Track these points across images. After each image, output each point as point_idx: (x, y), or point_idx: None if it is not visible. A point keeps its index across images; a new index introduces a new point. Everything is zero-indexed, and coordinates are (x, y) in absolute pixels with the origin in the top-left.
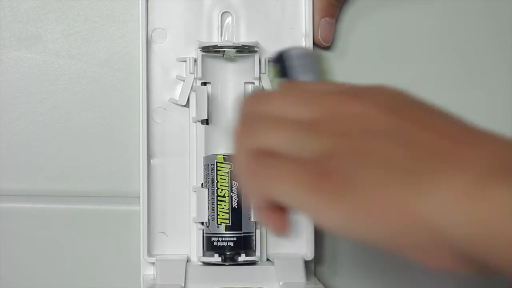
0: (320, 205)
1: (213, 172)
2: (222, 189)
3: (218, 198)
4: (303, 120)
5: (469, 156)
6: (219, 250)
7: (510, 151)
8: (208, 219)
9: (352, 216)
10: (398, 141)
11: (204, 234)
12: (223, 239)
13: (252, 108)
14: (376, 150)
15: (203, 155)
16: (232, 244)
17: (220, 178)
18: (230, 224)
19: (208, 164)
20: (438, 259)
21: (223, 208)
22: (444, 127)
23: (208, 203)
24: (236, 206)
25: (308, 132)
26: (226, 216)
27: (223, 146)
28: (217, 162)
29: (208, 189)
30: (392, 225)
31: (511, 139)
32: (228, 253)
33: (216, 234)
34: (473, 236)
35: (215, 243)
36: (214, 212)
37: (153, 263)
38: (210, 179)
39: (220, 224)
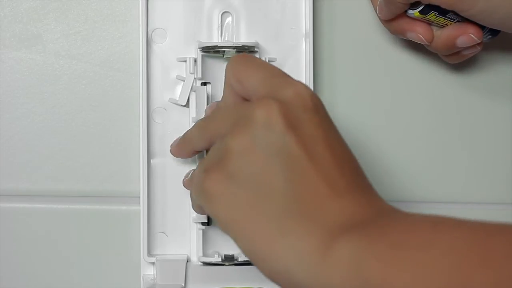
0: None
1: None
2: None
3: None
4: (218, 134)
5: (328, 211)
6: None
7: (363, 203)
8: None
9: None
10: (279, 170)
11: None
12: None
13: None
14: (256, 173)
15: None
16: None
17: None
18: None
19: None
20: (284, 286)
21: None
22: (330, 168)
23: None
24: None
25: (219, 141)
26: None
27: None
28: None
29: None
30: (254, 244)
31: (372, 192)
32: (228, 253)
33: None
34: (314, 284)
35: None
36: None
37: (153, 263)
38: None
39: None
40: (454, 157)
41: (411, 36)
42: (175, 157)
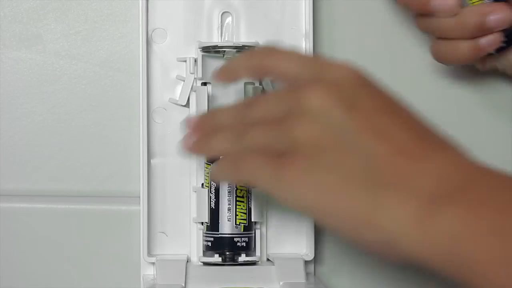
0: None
1: None
2: (241, 190)
3: (237, 198)
4: (274, 120)
5: (419, 178)
6: (241, 250)
7: (457, 169)
8: (225, 220)
9: (316, 199)
10: (352, 150)
11: (220, 235)
12: (242, 239)
13: (234, 116)
14: (333, 157)
15: None
16: (244, 244)
17: None
18: (247, 225)
19: None
20: (387, 255)
21: (242, 208)
22: (399, 138)
23: (229, 204)
24: (251, 207)
25: (276, 131)
26: (244, 216)
27: None
28: None
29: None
30: (350, 221)
31: (460, 152)
32: (228, 253)
33: (236, 234)
34: (420, 250)
35: (238, 244)
36: (231, 213)
37: (153, 263)
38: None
39: (239, 225)
40: None
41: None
42: (174, 157)
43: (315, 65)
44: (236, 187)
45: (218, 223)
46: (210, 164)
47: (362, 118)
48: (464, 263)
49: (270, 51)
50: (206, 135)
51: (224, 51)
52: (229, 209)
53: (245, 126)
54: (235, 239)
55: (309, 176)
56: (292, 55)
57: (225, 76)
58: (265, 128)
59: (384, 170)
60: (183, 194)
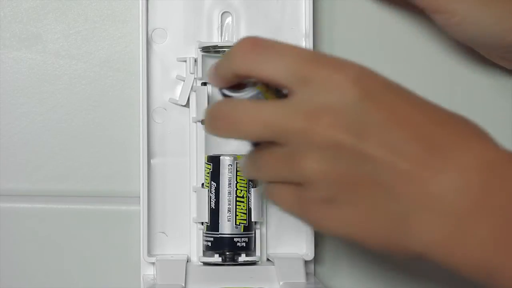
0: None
1: (230, 172)
2: (241, 190)
3: (237, 199)
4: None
5: (442, 193)
6: (241, 251)
7: (480, 170)
8: (223, 220)
9: (355, 227)
10: (371, 178)
11: (220, 235)
12: (242, 239)
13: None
14: (352, 191)
15: (210, 154)
16: (244, 244)
17: (240, 179)
18: (247, 225)
19: (228, 164)
20: (405, 256)
21: (241, 209)
22: (414, 151)
23: (229, 204)
24: (251, 207)
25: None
26: (244, 216)
27: (223, 146)
28: (236, 163)
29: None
30: (382, 246)
31: (482, 143)
32: (228, 253)
33: (236, 235)
34: (452, 262)
35: (238, 244)
36: (231, 213)
37: (153, 263)
38: (226, 179)
39: (239, 225)
40: None
41: None
42: (174, 157)
43: (305, 71)
44: (236, 187)
45: (218, 223)
46: (210, 165)
47: (374, 140)
48: (495, 271)
49: (251, 50)
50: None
51: (224, 51)
52: (229, 210)
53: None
54: (235, 239)
55: (329, 210)
56: (276, 55)
57: (215, 82)
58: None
59: (406, 192)
60: (183, 194)
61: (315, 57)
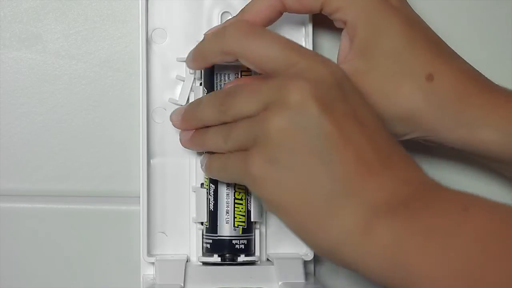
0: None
1: None
2: (239, 192)
3: (236, 201)
4: (253, 113)
5: (372, 190)
6: (240, 253)
7: (408, 185)
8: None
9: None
10: (317, 153)
11: (219, 237)
12: (240, 241)
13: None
14: (297, 157)
15: None
16: (242, 246)
17: None
18: (246, 227)
19: None
20: (333, 260)
21: (240, 211)
22: (363, 147)
23: (228, 206)
24: (250, 209)
25: (253, 125)
26: (243, 219)
27: None
28: None
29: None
30: (304, 223)
31: (416, 169)
32: (228, 253)
33: (235, 237)
34: (361, 260)
35: (237, 246)
36: (229, 215)
37: (153, 263)
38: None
39: (237, 227)
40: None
41: None
42: (174, 157)
43: (293, 56)
44: (234, 189)
45: (217, 225)
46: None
47: (333, 122)
48: (401, 276)
49: (246, 32)
50: (199, 132)
51: None
52: (227, 212)
53: (229, 125)
54: (234, 242)
55: (270, 170)
56: (269, 40)
57: (196, 62)
58: (244, 125)
59: (343, 178)
60: (183, 194)
61: (302, 47)
